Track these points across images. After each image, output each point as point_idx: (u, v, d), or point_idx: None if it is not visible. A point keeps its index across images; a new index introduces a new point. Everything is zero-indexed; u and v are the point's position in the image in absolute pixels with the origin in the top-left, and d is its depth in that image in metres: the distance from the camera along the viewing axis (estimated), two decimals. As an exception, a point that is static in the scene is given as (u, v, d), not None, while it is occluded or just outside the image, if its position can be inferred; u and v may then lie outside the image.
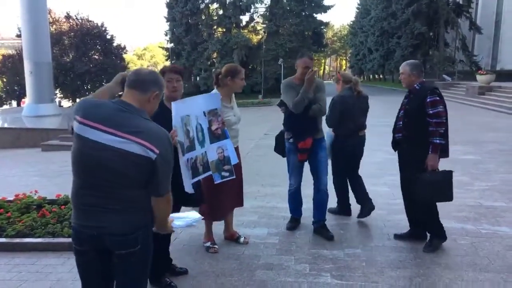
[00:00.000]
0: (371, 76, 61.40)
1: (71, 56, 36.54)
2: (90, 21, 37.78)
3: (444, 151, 3.78)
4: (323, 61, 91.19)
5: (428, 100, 3.61)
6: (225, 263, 3.65)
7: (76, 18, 37.18)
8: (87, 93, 37.75)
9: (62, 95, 37.93)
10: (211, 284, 3.28)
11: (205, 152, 3.17)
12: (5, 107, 35.55)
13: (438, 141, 3.61)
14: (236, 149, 3.86)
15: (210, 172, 3.23)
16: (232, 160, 3.39)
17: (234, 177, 3.45)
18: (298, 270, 3.48)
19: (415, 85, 3.77)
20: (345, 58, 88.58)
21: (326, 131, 5.19)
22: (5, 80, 35.41)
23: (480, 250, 3.77)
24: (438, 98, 3.62)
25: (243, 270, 3.52)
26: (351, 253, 3.78)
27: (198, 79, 39.75)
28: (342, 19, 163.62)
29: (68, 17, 36.95)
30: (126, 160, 1.92)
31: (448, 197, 3.73)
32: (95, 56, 37.69)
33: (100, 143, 1.92)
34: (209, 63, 38.85)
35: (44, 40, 17.71)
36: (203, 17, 39.21)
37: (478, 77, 20.87)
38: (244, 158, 4.09)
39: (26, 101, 19.25)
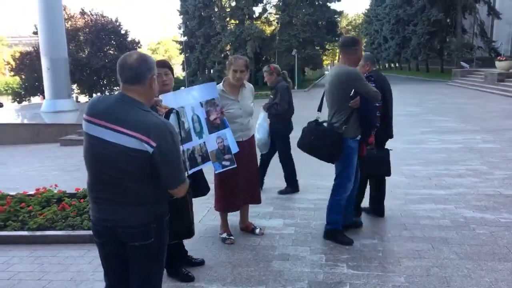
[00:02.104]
0: (386, 65, 60.52)
1: (86, 51, 36.93)
2: (105, 16, 38.07)
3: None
4: (337, 50, 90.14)
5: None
6: (241, 254, 3.68)
7: (91, 14, 37.51)
8: (103, 88, 38.24)
9: (79, 91, 38.44)
10: (228, 275, 3.32)
11: (204, 142, 3.20)
12: (24, 103, 36.24)
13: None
14: (246, 143, 3.81)
15: (210, 162, 3.26)
16: (232, 149, 3.41)
17: (235, 166, 3.45)
18: (314, 260, 3.49)
19: (365, 75, 3.97)
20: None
21: (259, 123, 5.27)
22: (23, 77, 36.02)
23: (500, 239, 3.71)
24: None
25: (259, 260, 3.54)
26: (368, 244, 3.76)
27: (212, 71, 39.81)
28: (357, 8, 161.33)
29: (83, 13, 37.29)
30: (125, 154, 1.91)
31: (385, 172, 4.18)
32: (110, 51, 38.01)
33: (103, 140, 1.93)
34: (222, 55, 38.80)
35: (60, 36, 17.91)
36: (216, 9, 39.11)
37: (497, 63, 20.38)
38: (258, 151, 4.09)
39: (45, 97, 19.57)
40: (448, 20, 33.64)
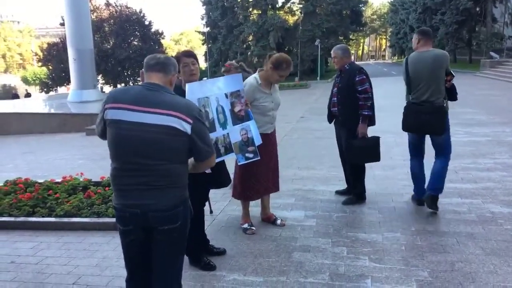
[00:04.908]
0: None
1: (111, 42, 37.47)
2: (129, 7, 38.48)
3: (371, 121, 4.39)
4: (362, 40, 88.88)
5: (357, 79, 4.22)
6: (262, 244, 3.69)
7: (116, 5, 37.97)
8: (127, 78, 38.81)
9: (103, 81, 39.12)
10: (249, 264, 3.34)
11: (228, 133, 3.21)
12: (51, 93, 37.14)
13: (366, 112, 4.24)
14: (272, 134, 3.88)
15: (233, 153, 3.26)
16: (256, 141, 3.40)
17: (259, 158, 3.44)
18: (336, 252, 3.47)
19: (345, 66, 4.36)
20: (385, 37, 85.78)
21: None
22: (50, 67, 36.86)
23: (529, 235, 3.60)
24: (364, 77, 4.23)
25: (280, 251, 3.55)
26: (390, 237, 3.71)
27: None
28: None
29: (108, 4, 37.78)
30: (162, 134, 2.00)
31: (376, 158, 4.43)
32: (135, 42, 38.44)
33: (136, 123, 2.00)
34: (244, 46, 38.74)
35: (86, 27, 18.27)
36: (239, 0, 38.97)
37: (529, 53, 19.64)
38: (280, 142, 4.10)
39: (71, 87, 20.02)
40: (477, 9, 32.53)
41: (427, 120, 4.00)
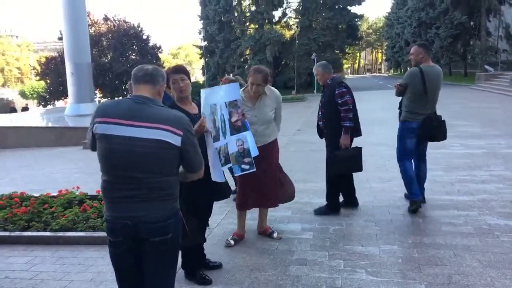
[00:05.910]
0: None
1: (109, 56, 37.59)
2: (127, 22, 38.70)
3: (356, 131, 4.55)
4: (358, 54, 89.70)
5: (337, 92, 4.35)
6: (258, 258, 3.67)
7: (114, 20, 38.22)
8: (125, 92, 38.88)
9: (101, 95, 39.15)
10: (245, 279, 3.31)
11: (227, 143, 3.18)
12: (49, 107, 37.12)
13: (348, 124, 4.35)
14: (259, 147, 3.72)
15: (230, 165, 3.25)
16: (252, 152, 3.36)
17: (255, 170, 3.39)
18: (332, 266, 3.45)
19: (328, 81, 4.50)
20: (380, 50, 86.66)
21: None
22: (48, 81, 36.93)
23: (525, 247, 3.59)
24: (344, 89, 4.36)
25: (277, 265, 3.52)
26: (387, 250, 3.70)
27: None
28: (377, 11, 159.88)
29: (106, 19, 38.01)
30: (156, 148, 2.01)
31: (359, 168, 4.52)
32: (132, 56, 38.58)
33: (126, 137, 2.01)
34: (242, 59, 39.01)
35: (84, 42, 18.34)
36: (236, 14, 39.35)
37: (523, 66, 19.85)
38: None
39: (68, 101, 20.03)
40: (472, 23, 32.99)
41: (439, 129, 4.47)
